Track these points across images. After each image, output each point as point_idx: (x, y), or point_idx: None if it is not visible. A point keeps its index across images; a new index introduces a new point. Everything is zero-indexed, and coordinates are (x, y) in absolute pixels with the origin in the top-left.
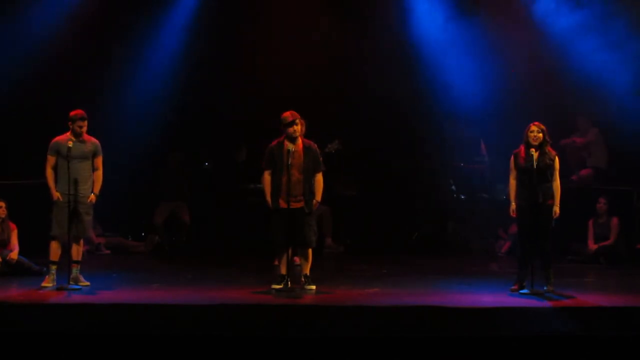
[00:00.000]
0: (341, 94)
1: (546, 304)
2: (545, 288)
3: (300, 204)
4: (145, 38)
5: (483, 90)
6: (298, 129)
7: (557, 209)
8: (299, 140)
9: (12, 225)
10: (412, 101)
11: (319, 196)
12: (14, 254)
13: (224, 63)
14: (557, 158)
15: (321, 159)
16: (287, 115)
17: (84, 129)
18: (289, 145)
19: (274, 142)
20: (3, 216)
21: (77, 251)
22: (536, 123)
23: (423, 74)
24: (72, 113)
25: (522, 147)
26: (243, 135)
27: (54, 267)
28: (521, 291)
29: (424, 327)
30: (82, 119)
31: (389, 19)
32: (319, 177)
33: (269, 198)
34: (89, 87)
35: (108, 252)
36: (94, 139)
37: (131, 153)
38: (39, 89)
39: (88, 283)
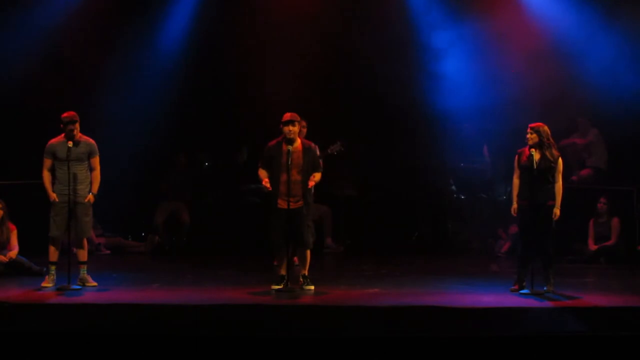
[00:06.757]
0: (342, 95)
1: (546, 304)
2: (545, 288)
3: (299, 204)
4: (146, 38)
5: (484, 90)
6: (295, 130)
7: (557, 210)
8: (298, 141)
9: (12, 226)
10: (412, 101)
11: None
12: (14, 254)
13: (224, 63)
14: (560, 159)
15: (320, 161)
16: (287, 115)
17: (76, 131)
18: (288, 146)
19: (273, 142)
20: (2, 216)
21: (82, 252)
22: (532, 125)
23: (424, 74)
24: (63, 115)
25: (527, 147)
26: (243, 136)
27: (53, 268)
28: (521, 291)
29: (424, 327)
30: (72, 122)
31: (390, 18)
32: (318, 177)
33: (267, 184)
34: (89, 87)
35: (108, 252)
36: (89, 139)
37: (131, 153)
38: (39, 88)
39: (96, 283)
